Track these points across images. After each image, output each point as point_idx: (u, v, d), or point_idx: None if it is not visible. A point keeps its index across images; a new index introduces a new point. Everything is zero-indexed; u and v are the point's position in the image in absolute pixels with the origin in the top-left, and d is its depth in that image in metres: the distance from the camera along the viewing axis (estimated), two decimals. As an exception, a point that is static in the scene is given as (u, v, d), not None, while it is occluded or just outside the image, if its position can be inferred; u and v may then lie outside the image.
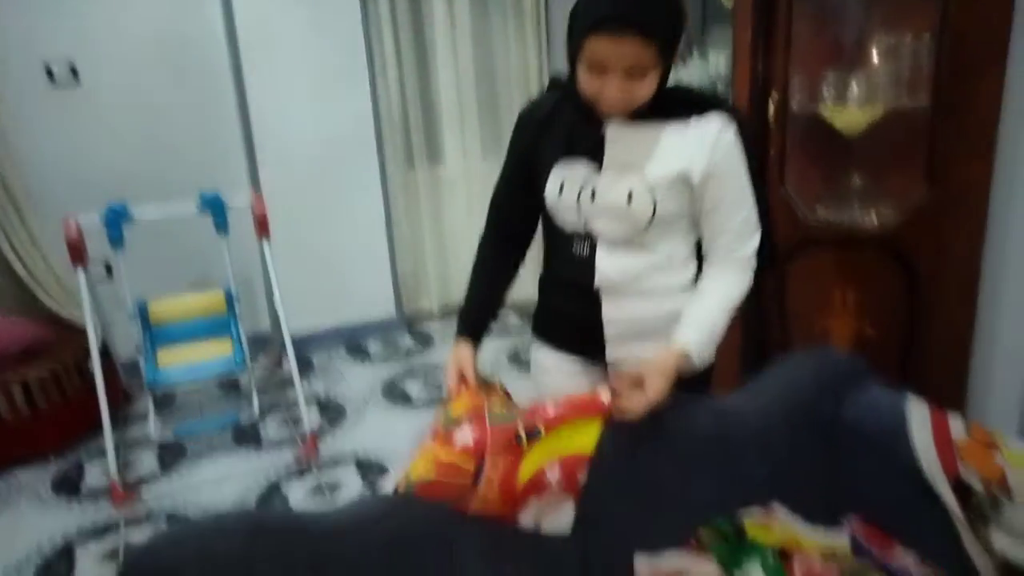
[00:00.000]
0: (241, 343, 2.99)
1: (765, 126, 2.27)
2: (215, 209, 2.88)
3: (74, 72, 3.18)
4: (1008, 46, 1.97)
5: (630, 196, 1.29)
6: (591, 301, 1.41)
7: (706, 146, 1.29)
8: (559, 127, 1.36)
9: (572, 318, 1.47)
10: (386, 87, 3.69)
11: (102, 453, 2.72)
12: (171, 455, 2.86)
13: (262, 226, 2.85)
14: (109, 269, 3.32)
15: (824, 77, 2.19)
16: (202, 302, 3.09)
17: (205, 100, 3.45)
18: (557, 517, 1.29)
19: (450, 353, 1.44)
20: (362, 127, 3.67)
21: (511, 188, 1.48)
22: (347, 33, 3.54)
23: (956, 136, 1.99)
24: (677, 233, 1.37)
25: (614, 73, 1.18)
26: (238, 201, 2.92)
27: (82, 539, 2.35)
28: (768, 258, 1.42)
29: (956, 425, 1.36)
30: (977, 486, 1.26)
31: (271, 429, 3.03)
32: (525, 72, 3.98)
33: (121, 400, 3.22)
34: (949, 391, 2.24)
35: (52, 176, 3.22)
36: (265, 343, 3.73)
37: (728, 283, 1.35)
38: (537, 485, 1.26)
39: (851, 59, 2.20)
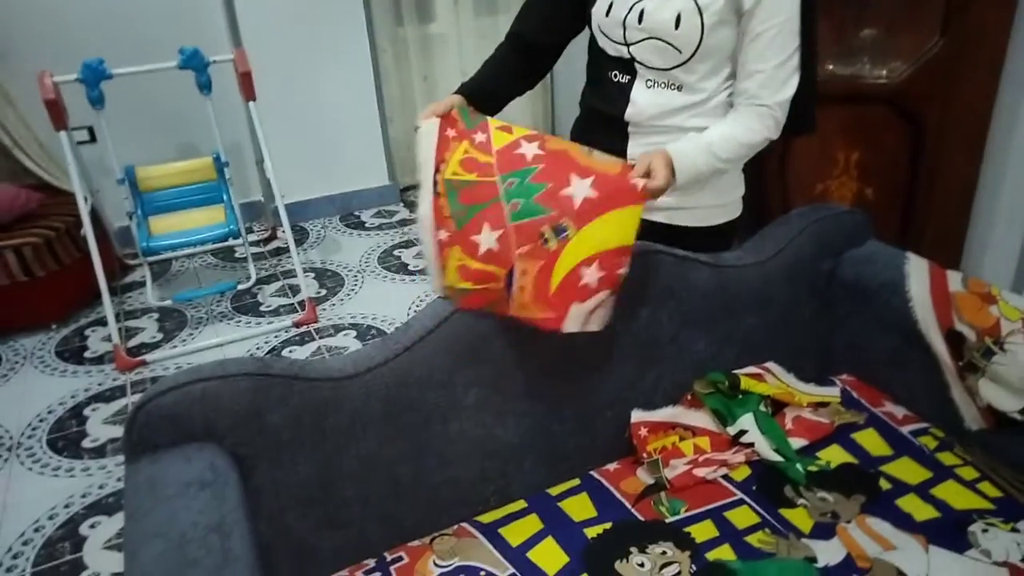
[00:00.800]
0: (234, 210, 2.94)
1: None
2: (196, 65, 2.75)
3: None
4: None
5: (678, 19, 1.21)
6: (620, 135, 1.35)
7: None
8: None
9: (599, 147, 1.26)
10: (371, -65, 3.43)
11: (102, 321, 2.75)
12: (172, 322, 2.88)
13: (247, 86, 2.73)
14: (93, 134, 3.21)
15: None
16: (191, 168, 3.01)
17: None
18: (600, 318, 1.18)
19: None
20: (347, -20, 3.45)
21: (558, 6, 1.38)
22: None
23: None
24: (718, 75, 1.27)
25: None
26: (220, 56, 2.78)
27: (90, 401, 2.42)
28: (807, 125, 1.36)
29: (955, 279, 1.36)
30: (970, 335, 1.27)
31: (269, 297, 3.05)
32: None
33: (117, 269, 3.21)
34: (949, 248, 2.24)
35: (25, 35, 3.04)
36: (258, 212, 3.69)
37: (742, 126, 1.25)
38: (575, 289, 1.13)
39: None
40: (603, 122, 1.37)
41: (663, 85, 1.29)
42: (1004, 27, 1.98)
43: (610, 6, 1.27)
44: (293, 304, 2.97)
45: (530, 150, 1.19)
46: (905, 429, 1.36)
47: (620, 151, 1.34)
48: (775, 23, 1.20)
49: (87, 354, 2.70)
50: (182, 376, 1.09)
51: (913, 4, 2.10)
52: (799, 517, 1.19)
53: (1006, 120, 2.07)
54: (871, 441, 1.34)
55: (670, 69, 1.26)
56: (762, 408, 1.38)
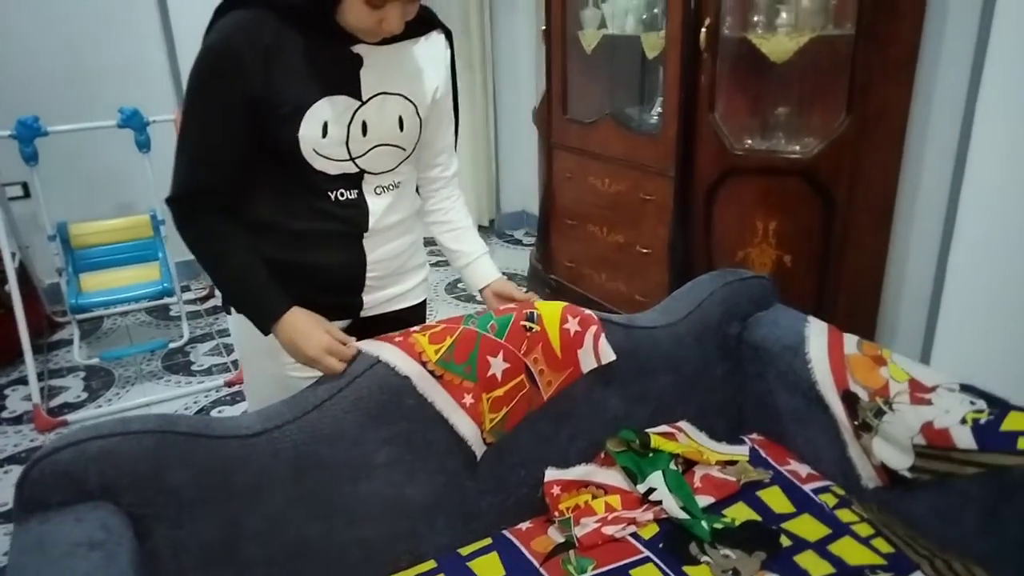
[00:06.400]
0: (169, 268, 2.92)
1: (697, 52, 2.27)
2: (135, 124, 2.77)
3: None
4: (929, -26, 2.00)
5: (401, 121, 1.24)
6: (353, 247, 1.28)
7: (441, 64, 1.30)
8: (295, 59, 1.13)
9: (328, 272, 1.27)
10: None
11: (25, 379, 2.66)
12: (98, 381, 2.81)
13: (187, 147, 2.75)
14: (27, 189, 3.17)
15: (754, 4, 2.20)
16: (126, 226, 3.00)
17: (126, 11, 3.27)
18: (605, 349, 1.41)
19: (296, 332, 1.19)
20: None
21: (238, 140, 1.16)
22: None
23: (877, 64, 2.02)
24: (413, 159, 1.33)
25: (399, 3, 1.09)
26: (161, 116, 2.80)
27: (4, 463, 2.32)
28: None
29: (850, 342, 1.43)
30: (863, 396, 1.34)
31: (202, 356, 3.00)
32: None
33: (45, 327, 3.14)
34: (861, 317, 2.34)
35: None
36: (196, 271, 3.66)
37: (463, 206, 1.46)
38: (571, 340, 1.38)
39: (781, -14, 2.20)
40: (335, 241, 1.26)
41: (388, 182, 1.28)
42: (903, 104, 2.14)
43: (324, 127, 1.16)
44: (227, 363, 2.93)
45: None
46: (808, 487, 1.41)
47: (355, 264, 1.29)
48: (448, 106, 1.36)
49: (5, 414, 2.61)
50: (80, 433, 1.07)
51: (822, 84, 2.26)
52: (702, 575, 1.21)
53: (909, 195, 2.22)
54: (775, 499, 1.38)
55: (395, 168, 1.28)
56: (672, 466, 1.41)
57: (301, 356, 1.20)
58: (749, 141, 2.34)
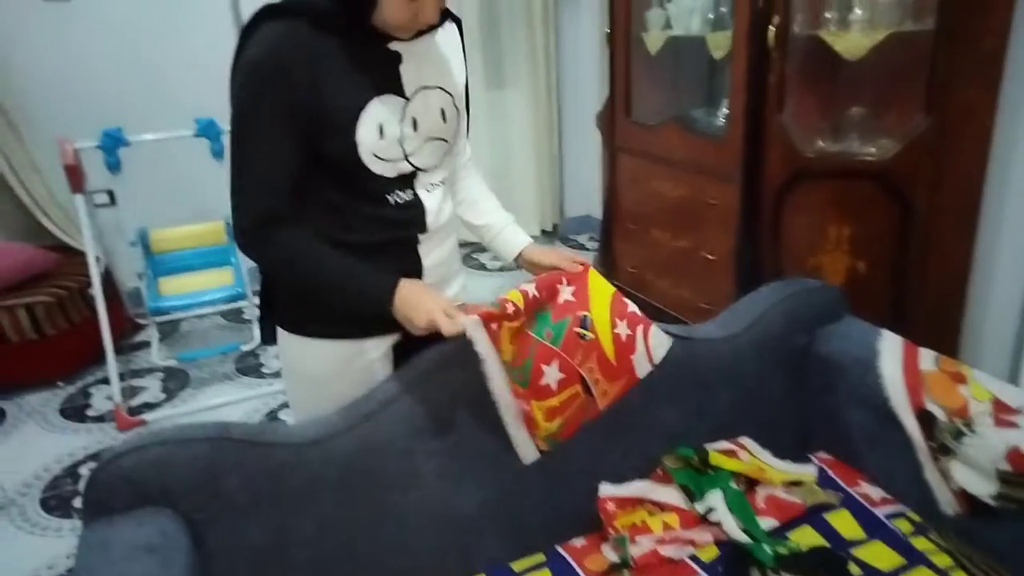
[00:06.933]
0: (241, 273, 3.02)
1: (765, 51, 2.19)
2: (211, 134, 2.87)
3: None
4: (1020, -36, 1.87)
5: (443, 113, 1.23)
6: (409, 255, 1.26)
7: (459, 52, 1.29)
8: (338, 65, 1.12)
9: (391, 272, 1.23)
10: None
11: (108, 379, 2.79)
12: (175, 382, 2.93)
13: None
14: (113, 197, 3.33)
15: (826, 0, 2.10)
16: (202, 232, 3.12)
17: (201, 21, 3.41)
18: (658, 346, 1.38)
19: (409, 304, 1.16)
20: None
21: (295, 154, 1.13)
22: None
23: (961, 62, 1.90)
24: (451, 151, 1.32)
25: None
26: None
27: (87, 460, 2.44)
28: None
29: (927, 358, 1.34)
30: (940, 416, 1.25)
31: (272, 359, 3.09)
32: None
33: (127, 328, 3.29)
34: (943, 330, 2.20)
35: (48, 98, 3.21)
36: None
37: (482, 183, 1.44)
38: (623, 346, 1.33)
39: (855, -20, 2.10)
40: (392, 249, 1.24)
41: (436, 184, 1.27)
42: (989, 107, 2.00)
43: (380, 128, 1.14)
44: (294, 366, 3.00)
45: (530, 291, 1.27)
46: (880, 511, 1.33)
47: (413, 270, 1.25)
48: (465, 93, 1.32)
49: (89, 412, 2.74)
50: (141, 439, 1.11)
51: (898, 83, 2.14)
52: (763, 601, 1.16)
53: (995, 201, 2.07)
54: (844, 523, 1.31)
55: (441, 163, 1.27)
56: (733, 485, 1.36)
57: (413, 326, 1.16)
58: (820, 143, 2.24)
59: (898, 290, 2.16)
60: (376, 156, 1.16)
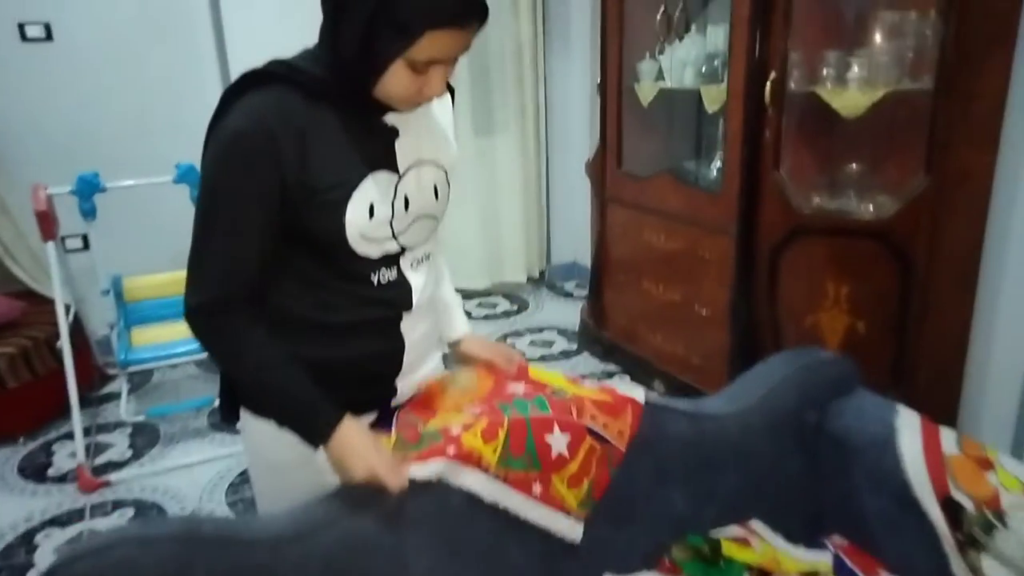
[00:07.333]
0: (217, 324, 2.90)
1: (761, 107, 2.16)
2: (191, 180, 2.78)
3: (48, 31, 3.09)
4: (1017, 26, 1.86)
5: (436, 190, 1.16)
6: (392, 333, 1.18)
7: (451, 121, 1.23)
8: (331, 138, 1.04)
9: (367, 364, 1.18)
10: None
11: (73, 435, 2.64)
12: (143, 438, 2.78)
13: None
14: (87, 242, 3.22)
15: (824, 56, 2.08)
16: (178, 279, 2.97)
17: (185, 65, 3.34)
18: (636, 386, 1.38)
19: (347, 450, 1.08)
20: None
21: (266, 242, 1.05)
22: None
23: (959, 122, 1.88)
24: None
25: (443, 65, 1.01)
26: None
27: (45, 526, 2.28)
28: None
29: (948, 439, 1.27)
30: (968, 505, 1.17)
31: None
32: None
33: (95, 379, 3.14)
34: (942, 393, 2.15)
35: (22, 141, 3.11)
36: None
37: (442, 254, 1.36)
38: (603, 390, 1.32)
39: (853, 38, 2.09)
40: (374, 330, 1.16)
41: (420, 261, 1.19)
42: (987, 165, 1.98)
43: (371, 208, 1.06)
44: (271, 422, 2.87)
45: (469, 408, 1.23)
46: (903, 605, 1.24)
47: (394, 350, 1.19)
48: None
49: (50, 471, 2.58)
50: (99, 540, 0.99)
51: (896, 140, 2.12)
52: None
53: (994, 262, 2.03)
54: (865, 619, 1.22)
55: (428, 240, 1.20)
56: (746, 576, 1.27)
57: (348, 476, 1.08)
58: (817, 199, 2.20)
59: (898, 350, 2.10)
60: (363, 237, 1.07)
